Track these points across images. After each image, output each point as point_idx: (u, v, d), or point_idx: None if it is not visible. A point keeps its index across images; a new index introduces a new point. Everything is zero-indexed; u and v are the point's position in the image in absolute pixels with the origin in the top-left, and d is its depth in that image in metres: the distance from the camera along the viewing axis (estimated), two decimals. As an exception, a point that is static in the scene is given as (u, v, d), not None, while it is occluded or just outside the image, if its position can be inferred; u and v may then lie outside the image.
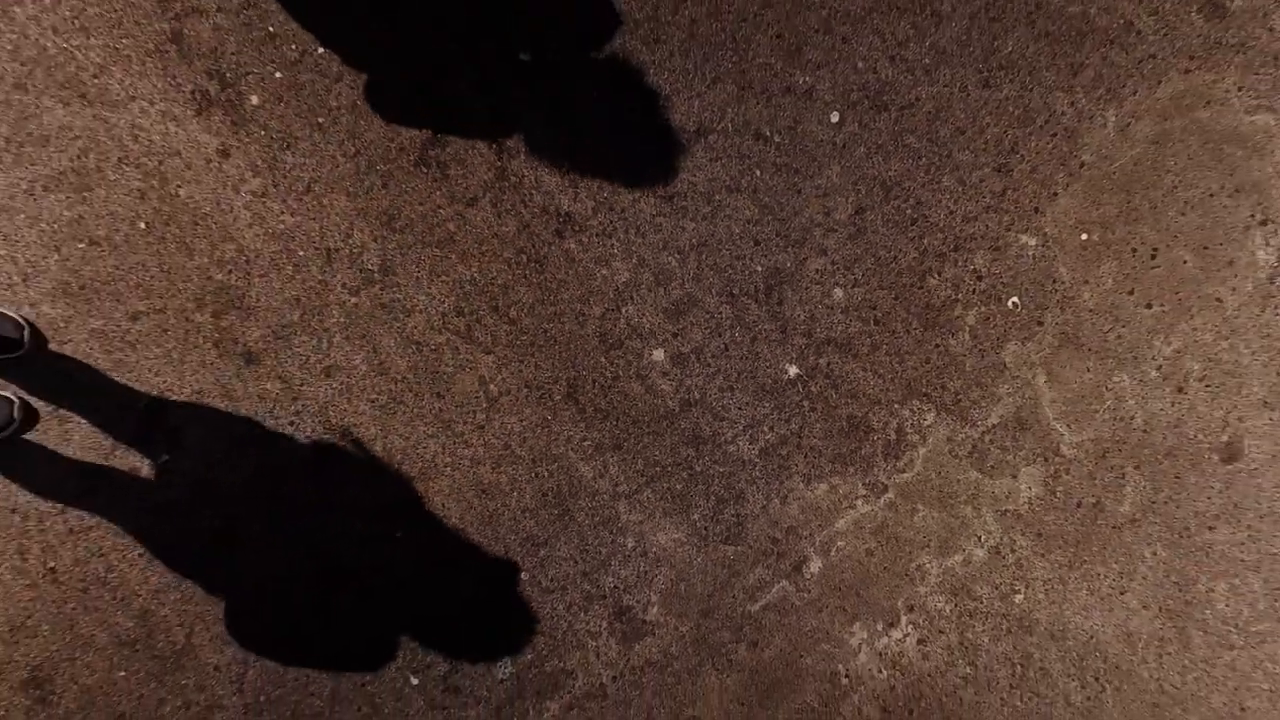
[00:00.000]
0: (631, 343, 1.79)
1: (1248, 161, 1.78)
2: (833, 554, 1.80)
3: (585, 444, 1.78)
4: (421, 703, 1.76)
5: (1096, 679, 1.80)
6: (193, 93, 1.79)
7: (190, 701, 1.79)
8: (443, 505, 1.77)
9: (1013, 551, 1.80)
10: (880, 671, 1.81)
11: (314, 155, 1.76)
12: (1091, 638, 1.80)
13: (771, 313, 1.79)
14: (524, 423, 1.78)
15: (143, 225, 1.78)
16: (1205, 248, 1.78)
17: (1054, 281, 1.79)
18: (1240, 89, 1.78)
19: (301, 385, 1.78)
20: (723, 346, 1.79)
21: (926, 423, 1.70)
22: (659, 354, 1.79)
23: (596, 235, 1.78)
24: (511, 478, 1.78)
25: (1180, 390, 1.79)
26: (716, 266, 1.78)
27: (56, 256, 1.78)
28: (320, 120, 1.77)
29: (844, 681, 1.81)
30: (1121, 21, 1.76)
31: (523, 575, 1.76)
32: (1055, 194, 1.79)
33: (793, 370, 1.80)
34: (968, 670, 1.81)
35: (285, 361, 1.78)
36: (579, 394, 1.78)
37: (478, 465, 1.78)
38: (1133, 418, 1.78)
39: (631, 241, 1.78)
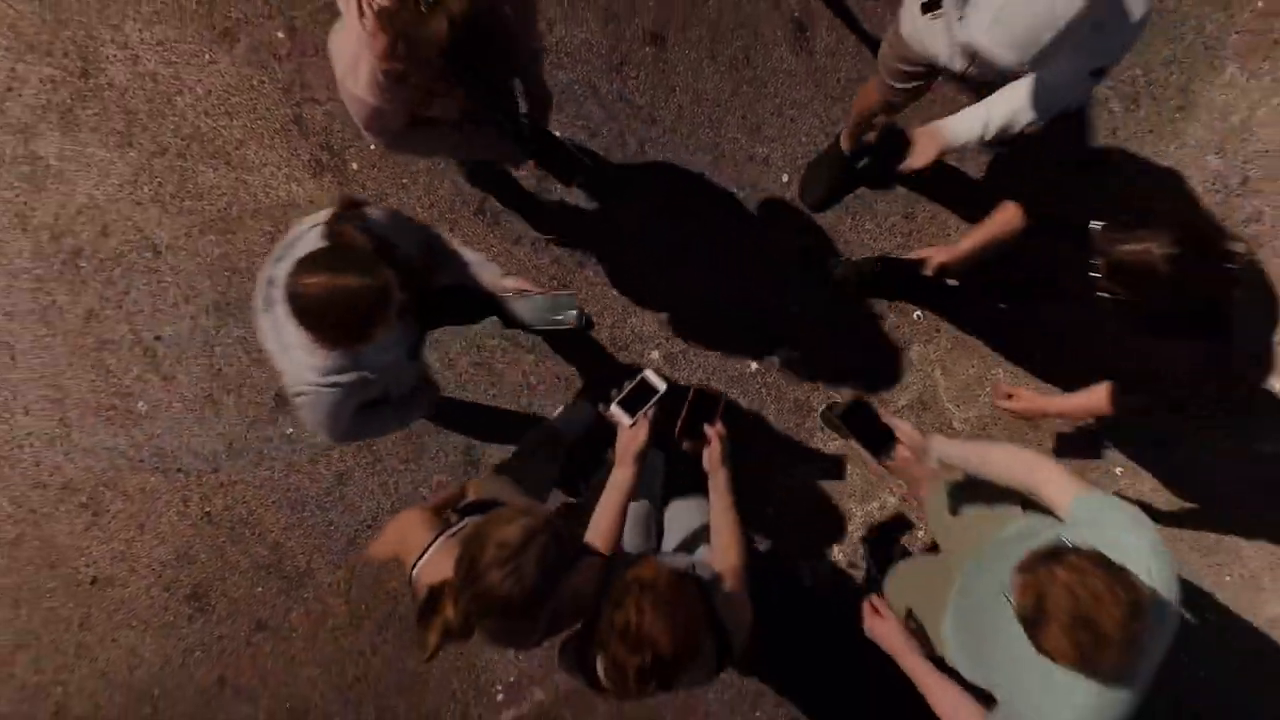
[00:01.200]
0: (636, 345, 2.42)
1: (1091, 210, 2.40)
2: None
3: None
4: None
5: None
6: (309, 160, 2.41)
7: (310, 610, 2.43)
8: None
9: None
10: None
11: (401, 207, 2.38)
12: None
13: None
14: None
15: (272, 259, 2.41)
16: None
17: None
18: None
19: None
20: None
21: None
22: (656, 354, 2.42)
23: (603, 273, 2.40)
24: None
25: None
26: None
27: (209, 282, 2.41)
28: (404, 181, 2.40)
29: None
30: (997, 107, 2.38)
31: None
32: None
33: (753, 365, 2.43)
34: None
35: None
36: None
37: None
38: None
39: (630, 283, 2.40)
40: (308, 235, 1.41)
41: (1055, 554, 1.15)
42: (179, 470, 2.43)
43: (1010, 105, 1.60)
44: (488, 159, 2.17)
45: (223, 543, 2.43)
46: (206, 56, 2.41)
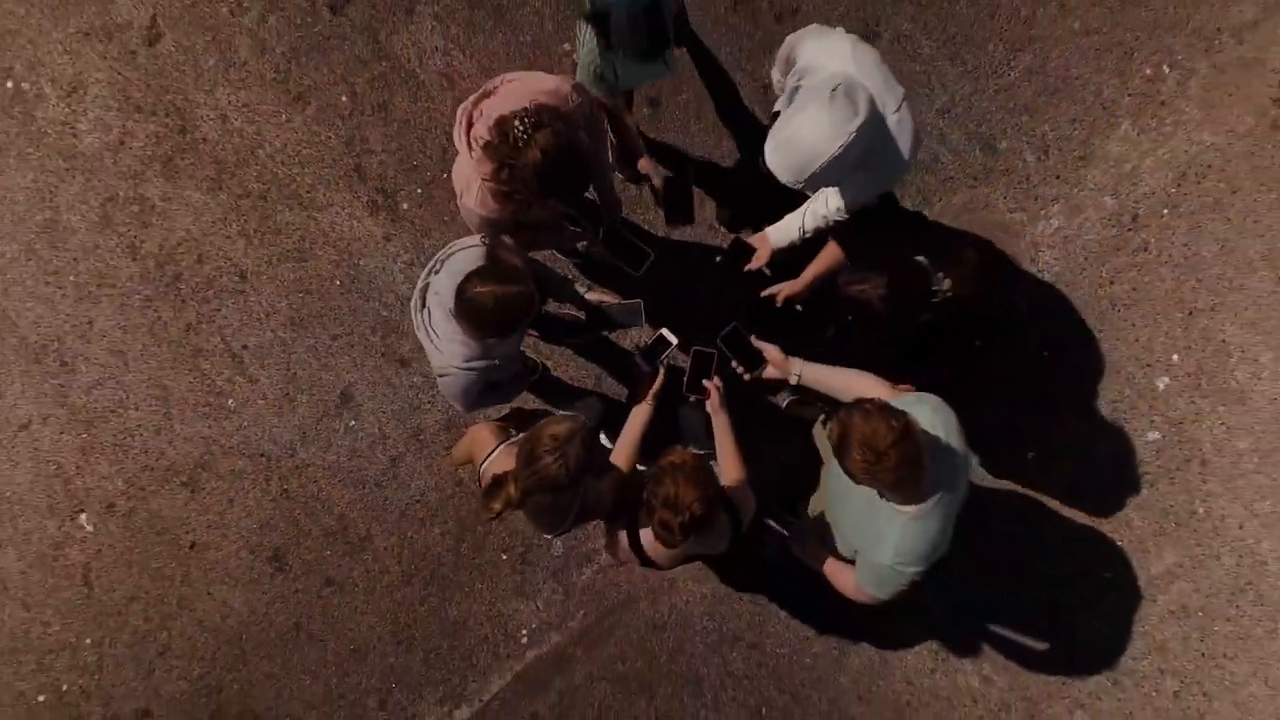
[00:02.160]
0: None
1: (1008, 240, 2.93)
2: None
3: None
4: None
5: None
6: (367, 201, 2.94)
7: (369, 569, 2.97)
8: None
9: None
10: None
11: (443, 239, 2.91)
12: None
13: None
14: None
15: (337, 283, 2.95)
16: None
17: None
18: (1004, 198, 2.92)
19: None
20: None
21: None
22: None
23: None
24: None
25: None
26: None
27: (285, 302, 2.95)
28: (445, 219, 2.93)
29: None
30: (928, 156, 2.90)
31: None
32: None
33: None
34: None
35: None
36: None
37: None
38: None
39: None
40: (459, 254, 1.93)
41: (854, 404, 1.69)
42: (261, 455, 2.96)
43: (816, 215, 2.12)
44: (572, 247, 2.70)
45: (297, 514, 2.97)
46: (283, 116, 2.94)
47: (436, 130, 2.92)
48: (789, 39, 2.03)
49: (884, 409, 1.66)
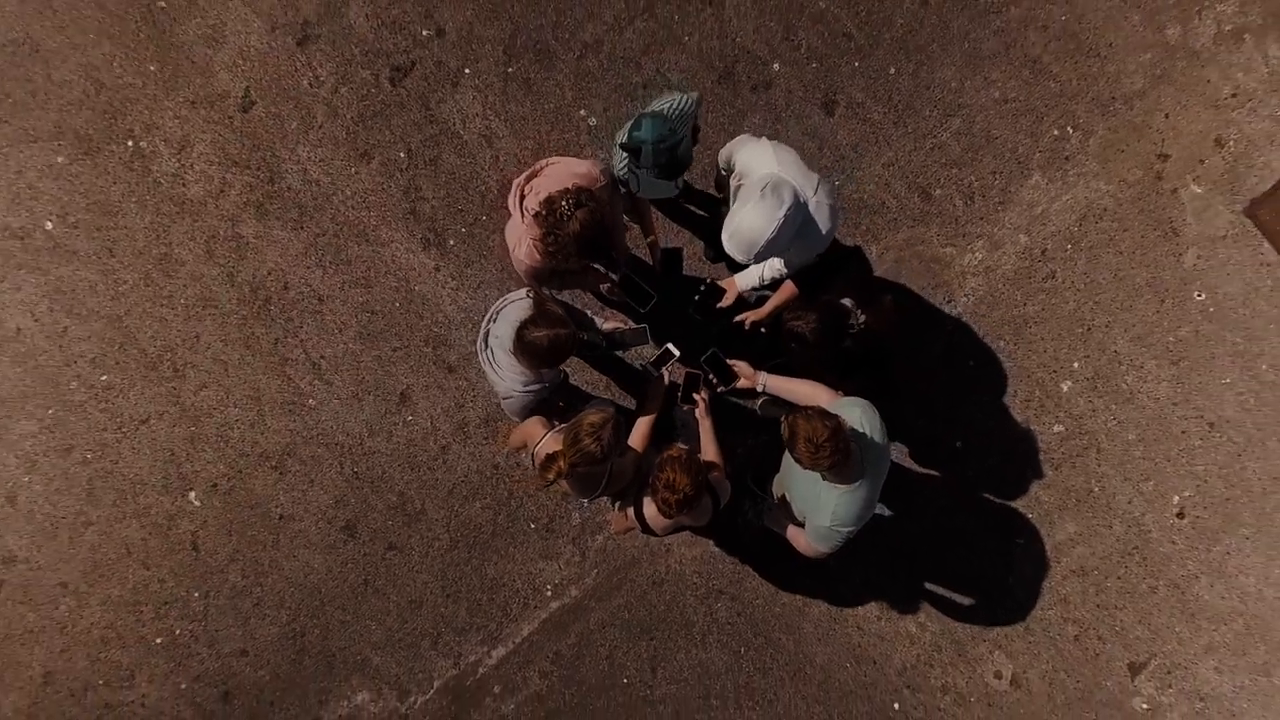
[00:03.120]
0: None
1: (941, 269, 3.60)
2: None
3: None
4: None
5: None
6: (421, 238, 3.62)
7: (424, 537, 3.66)
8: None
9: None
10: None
11: (483, 270, 3.59)
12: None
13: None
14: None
15: (397, 304, 3.63)
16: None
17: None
18: (938, 235, 3.60)
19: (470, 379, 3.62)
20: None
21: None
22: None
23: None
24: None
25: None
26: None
27: (355, 320, 3.63)
28: (484, 253, 3.61)
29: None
30: (876, 201, 3.57)
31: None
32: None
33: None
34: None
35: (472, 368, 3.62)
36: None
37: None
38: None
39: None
40: (510, 306, 2.61)
41: (800, 409, 2.38)
42: (336, 444, 3.65)
43: (771, 269, 2.82)
44: (595, 288, 3.40)
45: (365, 492, 3.67)
46: (352, 169, 3.63)
47: (477, 181, 3.60)
48: (726, 147, 2.75)
49: (821, 413, 2.35)
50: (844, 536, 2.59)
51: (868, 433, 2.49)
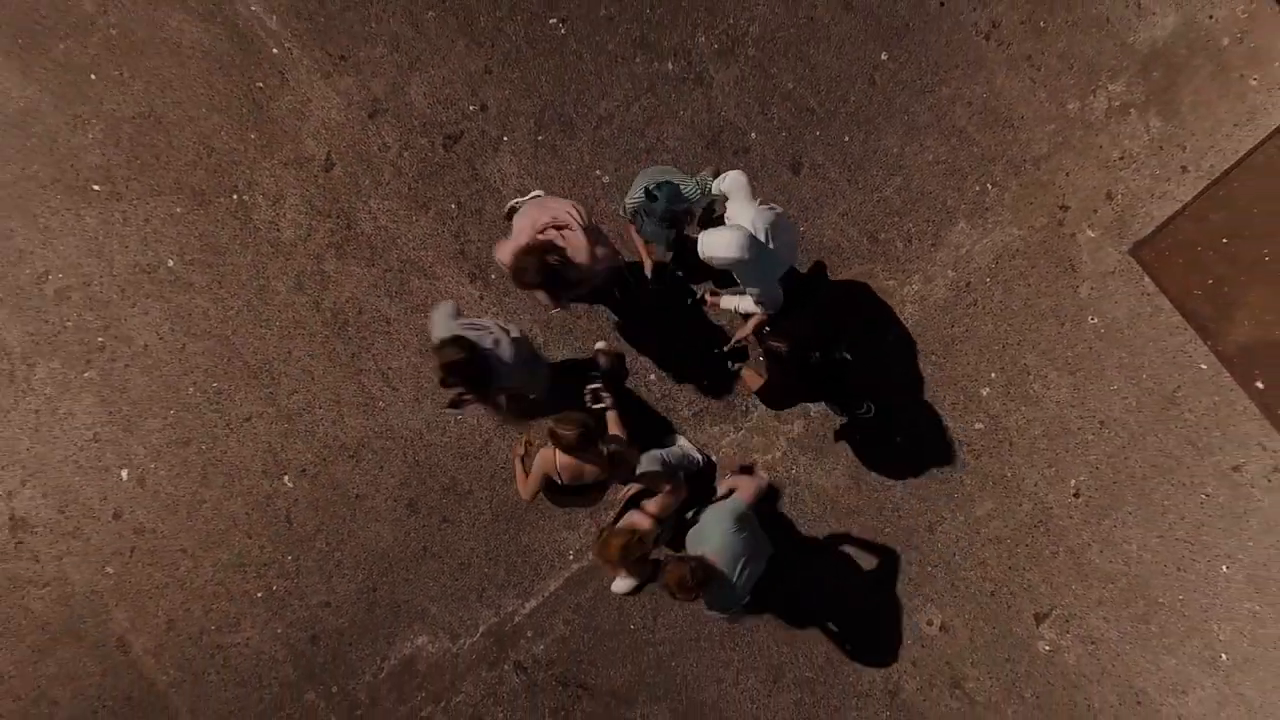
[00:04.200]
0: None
1: (885, 298, 4.49)
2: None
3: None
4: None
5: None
6: (469, 273, 4.51)
7: (471, 511, 4.56)
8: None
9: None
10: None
11: (518, 299, 4.49)
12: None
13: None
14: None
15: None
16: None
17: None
18: (883, 271, 4.49)
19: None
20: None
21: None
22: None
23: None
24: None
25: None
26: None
27: (416, 339, 4.53)
28: (511, 299, 4.50)
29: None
30: (833, 243, 4.47)
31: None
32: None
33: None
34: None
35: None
36: None
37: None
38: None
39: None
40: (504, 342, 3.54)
41: (670, 558, 3.34)
42: (401, 438, 4.56)
43: (746, 300, 3.74)
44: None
45: (424, 476, 4.58)
46: (413, 218, 4.53)
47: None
48: (730, 178, 3.69)
49: (682, 560, 3.28)
50: (722, 616, 3.57)
51: (727, 551, 3.44)
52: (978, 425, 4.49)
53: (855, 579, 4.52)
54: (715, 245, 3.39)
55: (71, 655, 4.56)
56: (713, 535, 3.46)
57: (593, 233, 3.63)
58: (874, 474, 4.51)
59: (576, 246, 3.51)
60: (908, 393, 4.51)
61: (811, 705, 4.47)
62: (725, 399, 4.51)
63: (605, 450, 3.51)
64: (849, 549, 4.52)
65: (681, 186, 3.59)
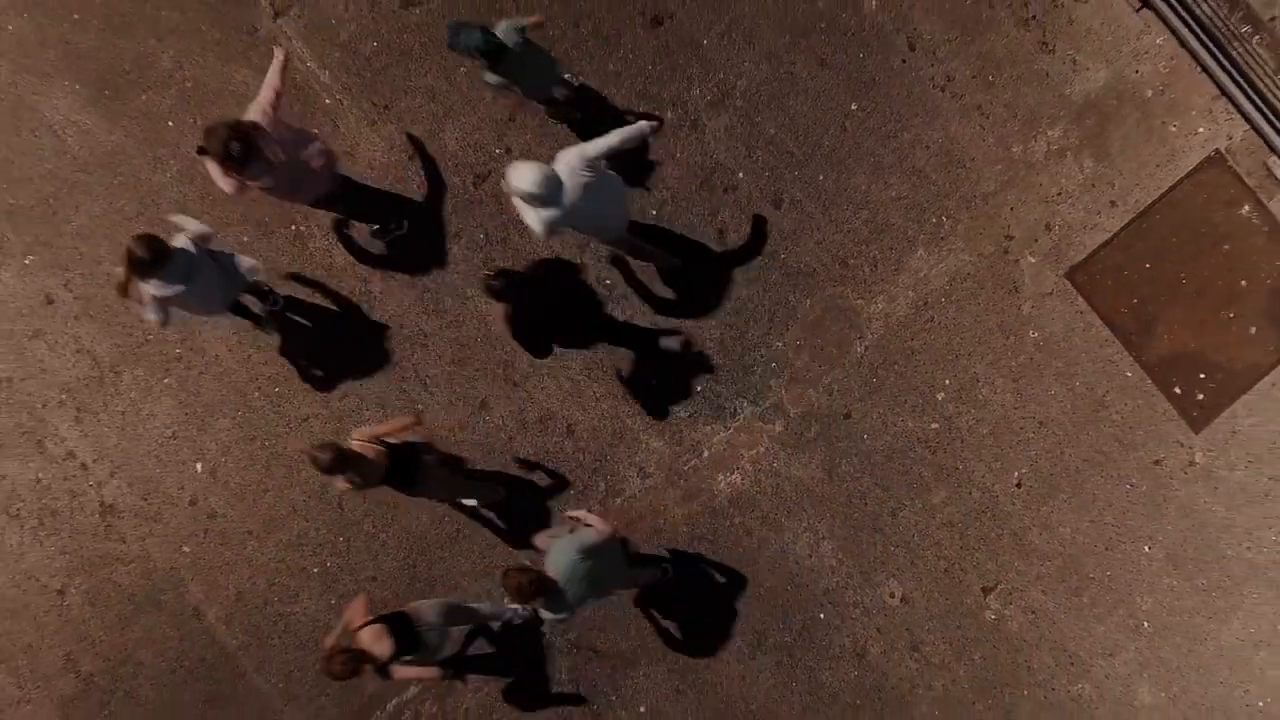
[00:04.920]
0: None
1: (853, 314, 5.21)
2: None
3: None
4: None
5: (806, 494, 5.29)
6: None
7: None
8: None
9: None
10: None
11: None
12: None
13: (692, 368, 5.26)
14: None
15: (478, 339, 5.26)
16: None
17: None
18: (852, 292, 5.20)
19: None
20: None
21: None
22: (654, 382, 5.26)
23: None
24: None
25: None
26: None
27: (450, 350, 5.26)
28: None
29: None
30: (809, 268, 5.18)
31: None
32: (787, 328, 5.22)
33: (699, 388, 5.27)
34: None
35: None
36: (626, 396, 5.27)
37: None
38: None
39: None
40: None
41: (509, 570, 3.77)
42: (438, 436, 5.29)
43: (532, 215, 4.16)
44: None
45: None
46: (446, 245, 5.25)
47: (533, 254, 5.22)
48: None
49: (523, 570, 3.66)
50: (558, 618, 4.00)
51: (566, 569, 3.87)
52: (934, 425, 5.21)
53: (828, 559, 5.24)
54: (517, 175, 3.81)
55: (153, 622, 5.31)
56: (558, 559, 3.91)
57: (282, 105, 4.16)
58: (844, 467, 5.23)
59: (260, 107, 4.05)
60: (873, 397, 5.23)
61: (790, 666, 5.21)
62: (714, 403, 5.23)
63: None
64: (826, 534, 5.24)
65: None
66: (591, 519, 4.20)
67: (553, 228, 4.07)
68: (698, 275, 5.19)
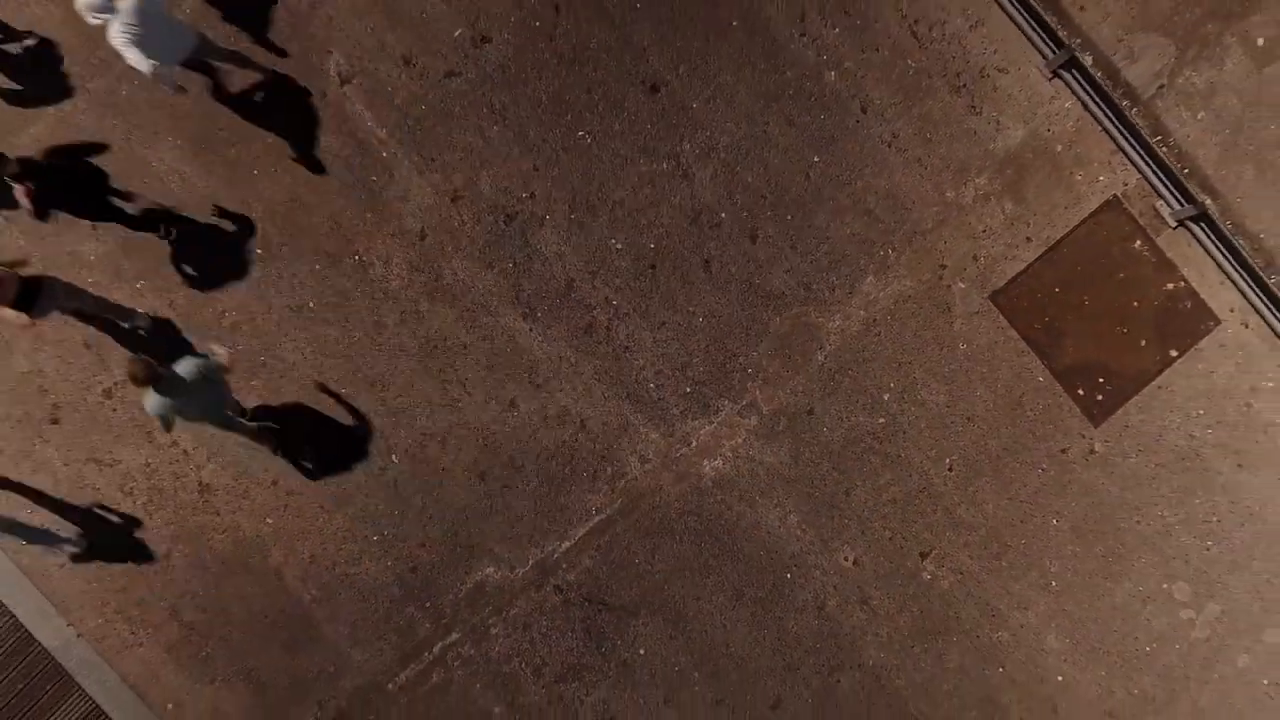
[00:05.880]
0: (644, 382, 6.43)
1: (816, 328, 6.36)
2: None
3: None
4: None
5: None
6: (522, 312, 6.40)
7: (523, 480, 6.47)
8: (592, 427, 6.44)
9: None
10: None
11: (560, 334, 6.36)
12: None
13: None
14: (614, 404, 6.44)
15: (508, 350, 6.42)
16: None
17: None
18: (815, 311, 6.35)
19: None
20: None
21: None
22: (652, 385, 6.42)
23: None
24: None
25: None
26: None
27: (484, 358, 6.42)
28: (559, 322, 6.39)
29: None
30: (778, 291, 6.33)
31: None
32: (761, 341, 6.36)
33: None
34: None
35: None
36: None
37: (601, 416, 6.44)
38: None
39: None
40: None
41: (133, 356, 5.27)
42: (473, 429, 6.42)
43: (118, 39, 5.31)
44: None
45: (490, 454, 6.48)
46: (481, 272, 6.40)
47: (555, 281, 6.36)
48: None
49: (137, 360, 4.99)
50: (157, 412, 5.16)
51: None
52: (880, 420, 6.36)
53: (794, 530, 6.40)
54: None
55: (242, 581, 6.50)
56: (181, 365, 5.14)
57: None
58: (807, 455, 6.39)
59: None
60: (831, 397, 6.38)
61: (762, 616, 6.39)
62: (701, 402, 6.39)
63: None
64: (794, 510, 6.40)
65: None
66: (221, 351, 5.52)
67: (127, 38, 5.05)
68: (686, 298, 6.34)
